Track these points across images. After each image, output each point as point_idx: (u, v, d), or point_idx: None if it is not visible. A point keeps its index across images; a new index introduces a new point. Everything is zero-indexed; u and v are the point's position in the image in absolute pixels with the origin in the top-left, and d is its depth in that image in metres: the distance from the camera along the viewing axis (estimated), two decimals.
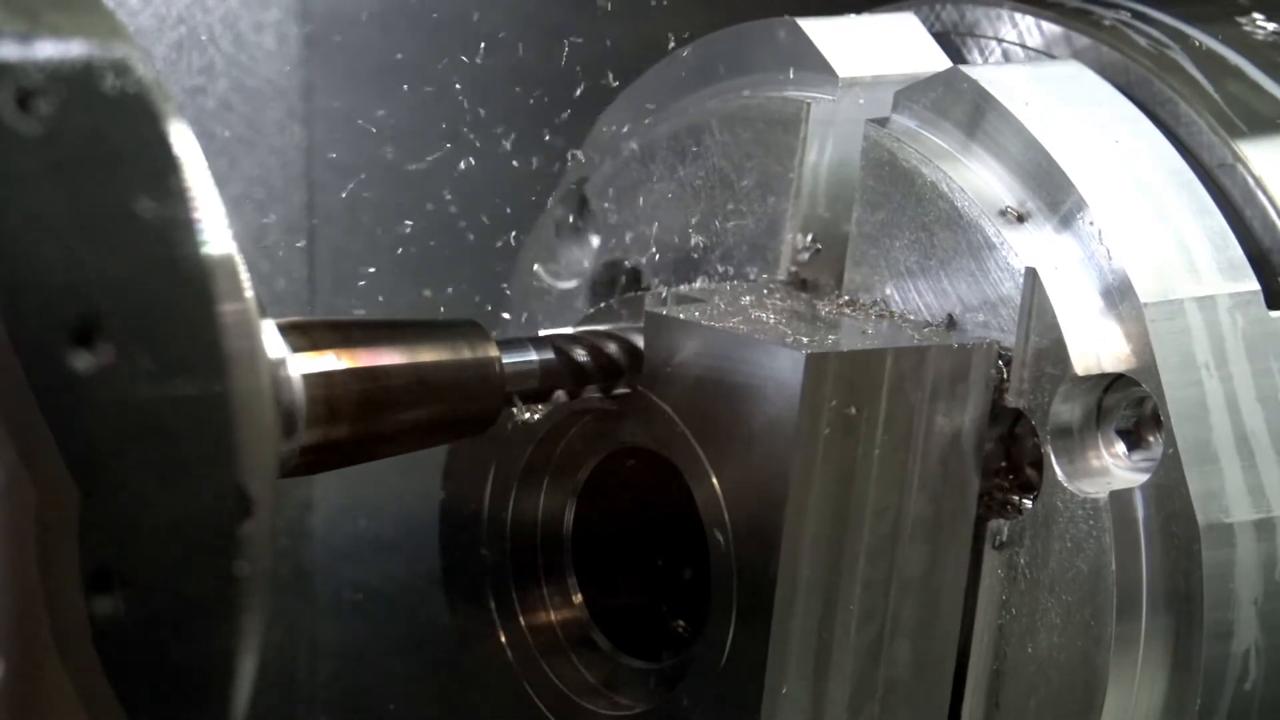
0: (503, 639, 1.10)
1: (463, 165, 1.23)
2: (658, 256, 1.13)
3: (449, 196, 1.28)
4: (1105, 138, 1.01)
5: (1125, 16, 1.11)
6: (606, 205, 1.16)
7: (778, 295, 1.05)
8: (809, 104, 1.07)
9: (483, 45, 1.27)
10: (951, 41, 1.14)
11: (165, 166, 0.74)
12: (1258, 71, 1.08)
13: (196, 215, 0.74)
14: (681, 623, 1.13)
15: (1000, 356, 0.98)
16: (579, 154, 1.19)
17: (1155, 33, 1.10)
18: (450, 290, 1.26)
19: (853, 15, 1.13)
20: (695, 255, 1.11)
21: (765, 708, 0.97)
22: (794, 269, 1.08)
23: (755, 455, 0.96)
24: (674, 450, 1.00)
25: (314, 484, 1.36)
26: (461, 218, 1.29)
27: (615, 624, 1.10)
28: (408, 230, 1.30)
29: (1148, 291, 0.96)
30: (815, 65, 1.09)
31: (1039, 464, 0.98)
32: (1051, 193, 0.99)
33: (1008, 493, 1.00)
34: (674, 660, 1.06)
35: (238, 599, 0.75)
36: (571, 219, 1.18)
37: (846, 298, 1.04)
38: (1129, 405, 0.97)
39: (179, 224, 0.74)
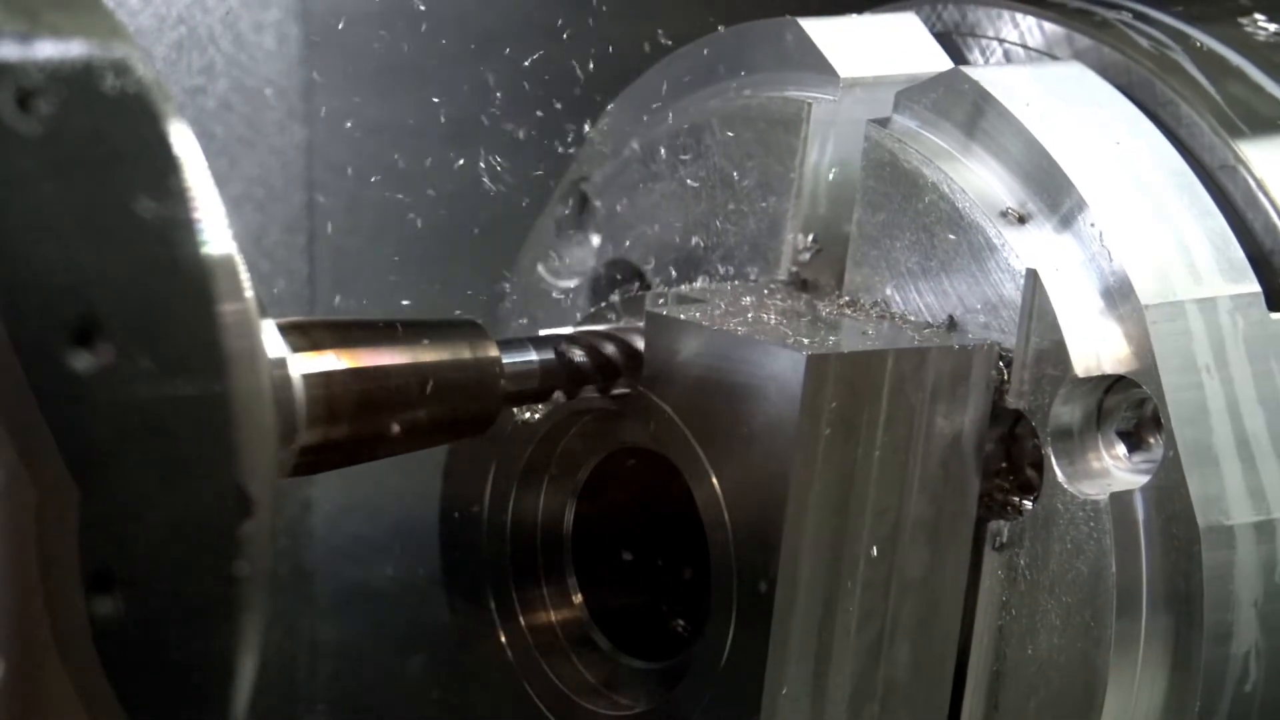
0: (503, 639, 1.10)
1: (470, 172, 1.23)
2: (658, 256, 1.13)
3: (450, 196, 1.28)
4: (1106, 139, 1.01)
5: (1127, 17, 1.11)
6: (607, 204, 1.16)
7: (778, 296, 1.05)
8: (810, 104, 1.07)
9: (483, 45, 1.27)
10: (953, 41, 1.14)
11: (165, 166, 0.74)
12: (1259, 73, 1.08)
13: (196, 215, 0.74)
14: (681, 623, 1.13)
15: (1001, 358, 0.98)
16: (580, 153, 1.19)
17: (1157, 33, 1.10)
18: (449, 290, 1.26)
19: (854, 15, 1.13)
20: (696, 255, 1.11)
21: (765, 708, 0.97)
22: (795, 269, 1.08)
23: (756, 456, 0.96)
24: (674, 450, 1.00)
25: (314, 484, 1.36)
26: (462, 217, 1.29)
27: (615, 624, 1.10)
28: (408, 230, 1.30)
29: (1148, 293, 0.96)
30: (816, 65, 1.09)
31: (1039, 465, 0.98)
32: (1052, 194, 0.99)
33: (1008, 494, 1.00)
34: (674, 660, 1.06)
35: (238, 599, 0.75)
36: (572, 218, 1.18)
37: (847, 298, 1.04)
38: (1129, 407, 0.97)
39: (179, 224, 0.74)
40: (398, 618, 1.38)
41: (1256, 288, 0.98)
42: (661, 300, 1.05)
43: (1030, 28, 1.12)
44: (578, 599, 1.10)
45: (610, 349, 1.01)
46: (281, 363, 0.87)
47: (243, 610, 0.75)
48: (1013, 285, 0.98)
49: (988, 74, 1.03)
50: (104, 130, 0.73)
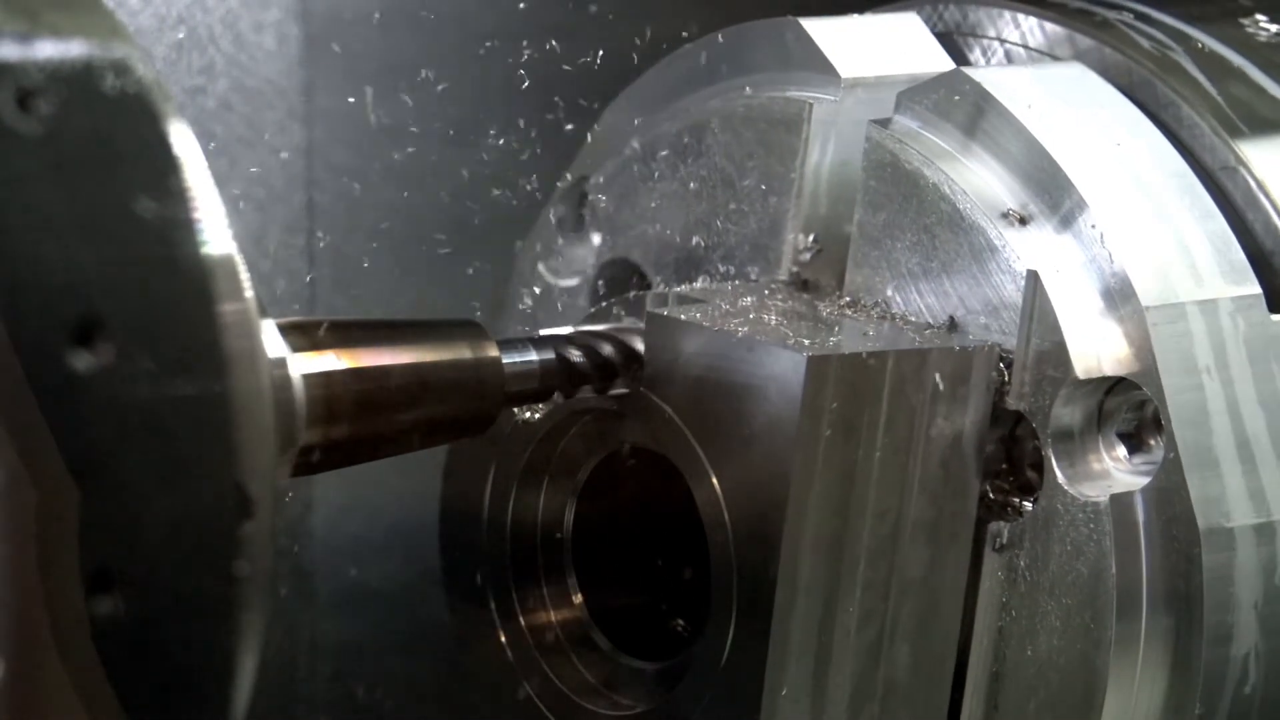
0: (503, 639, 1.10)
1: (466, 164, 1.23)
2: (659, 255, 1.13)
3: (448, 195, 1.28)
4: (1107, 140, 1.01)
5: (1128, 17, 1.11)
6: (608, 203, 1.16)
7: (779, 296, 1.05)
8: (811, 104, 1.07)
9: (481, 46, 1.27)
10: (954, 42, 1.14)
11: (165, 166, 0.74)
12: (1260, 73, 1.08)
13: (196, 215, 0.74)
14: (681, 622, 1.13)
15: (1001, 359, 0.98)
16: (581, 152, 1.19)
17: (1158, 34, 1.10)
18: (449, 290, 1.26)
19: (855, 15, 1.12)
20: (697, 255, 1.11)
21: (765, 708, 0.97)
22: (795, 269, 1.08)
23: (756, 456, 0.96)
24: (674, 451, 1.00)
25: (314, 484, 1.36)
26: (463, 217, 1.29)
27: (615, 624, 1.10)
28: (407, 230, 1.30)
29: (1149, 294, 0.96)
30: (818, 65, 1.09)
31: (1039, 467, 0.98)
32: (1053, 195, 0.99)
33: (1008, 495, 1.00)
34: (674, 660, 1.06)
35: (238, 599, 0.75)
36: (573, 217, 1.18)
37: (848, 299, 1.04)
38: (1130, 408, 0.97)
39: (179, 224, 0.74)
40: (397, 618, 1.38)
41: (1257, 289, 0.97)
42: (662, 300, 1.05)
43: (1031, 28, 1.12)
44: (578, 599, 1.10)
45: (612, 349, 1.01)
46: (281, 363, 0.87)
47: (243, 610, 0.75)
48: (1013, 286, 0.98)
49: (989, 75, 1.03)
50: (104, 130, 0.73)
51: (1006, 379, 0.98)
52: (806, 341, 0.96)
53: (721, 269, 1.10)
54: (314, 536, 1.38)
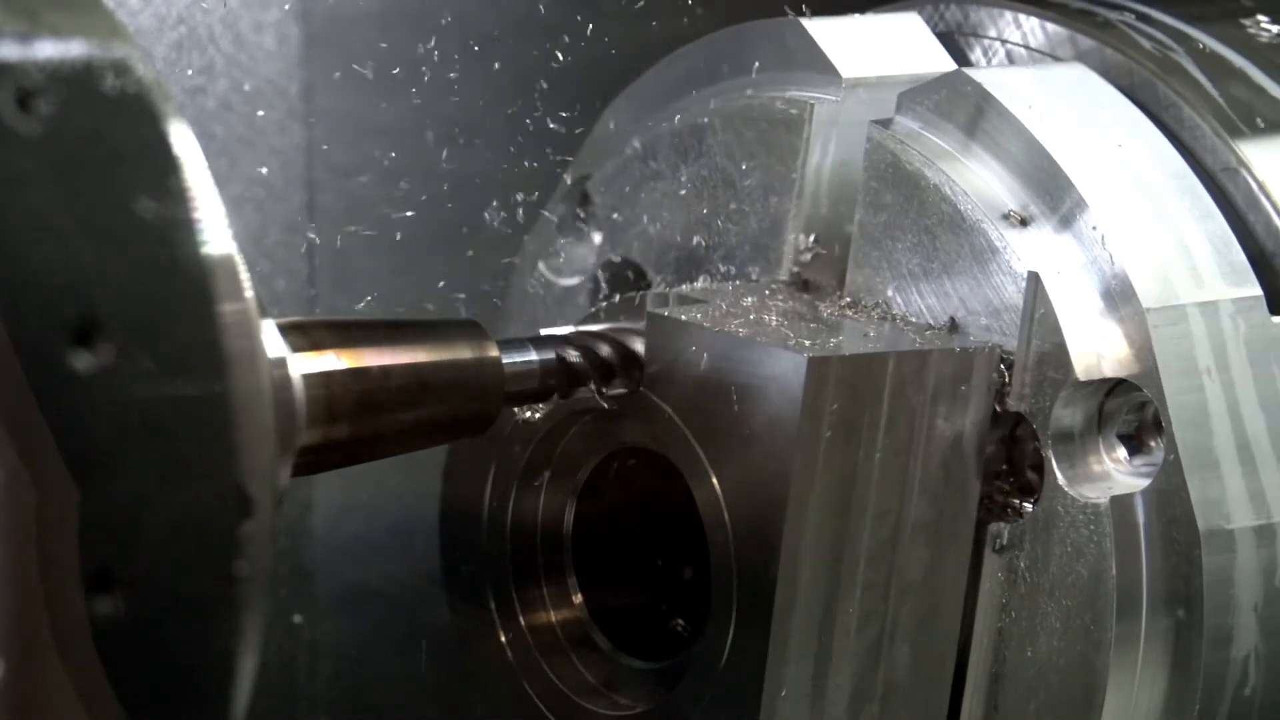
0: (503, 639, 1.10)
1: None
2: (659, 255, 1.13)
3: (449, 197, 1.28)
4: (1108, 141, 1.01)
5: (1129, 18, 1.11)
6: (609, 203, 1.16)
7: (780, 296, 1.05)
8: (812, 104, 1.07)
9: (482, 45, 1.27)
10: (955, 42, 1.14)
11: (165, 166, 0.74)
12: (1261, 74, 1.08)
13: (196, 215, 0.74)
14: (681, 623, 1.13)
15: (1002, 360, 0.98)
16: (581, 151, 1.19)
17: (1159, 34, 1.10)
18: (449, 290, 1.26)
19: (856, 15, 1.12)
20: (697, 254, 1.11)
21: (765, 708, 0.97)
22: (796, 270, 1.08)
23: (756, 457, 0.96)
24: (674, 451, 1.00)
25: (314, 484, 1.36)
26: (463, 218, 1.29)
27: (615, 624, 1.10)
28: (408, 230, 1.30)
29: (1150, 296, 0.96)
30: (819, 66, 1.09)
31: (1040, 468, 0.98)
32: (1054, 196, 0.99)
33: (1008, 496, 1.00)
34: (674, 660, 1.05)
35: (238, 599, 0.75)
36: (574, 216, 1.18)
37: (848, 299, 1.04)
38: (1130, 410, 0.97)
39: (179, 224, 0.74)
40: (398, 618, 1.38)
41: (1258, 291, 0.97)
42: (663, 300, 1.04)
43: (1033, 28, 1.12)
44: (578, 599, 1.10)
45: (612, 349, 1.01)
46: (281, 363, 0.87)
47: (243, 610, 0.75)
48: (1014, 288, 0.98)
49: (990, 75, 1.03)
50: (104, 130, 0.73)
51: (1007, 380, 0.98)
52: (807, 342, 0.96)
53: (722, 269, 1.10)
54: (314, 536, 1.38)
